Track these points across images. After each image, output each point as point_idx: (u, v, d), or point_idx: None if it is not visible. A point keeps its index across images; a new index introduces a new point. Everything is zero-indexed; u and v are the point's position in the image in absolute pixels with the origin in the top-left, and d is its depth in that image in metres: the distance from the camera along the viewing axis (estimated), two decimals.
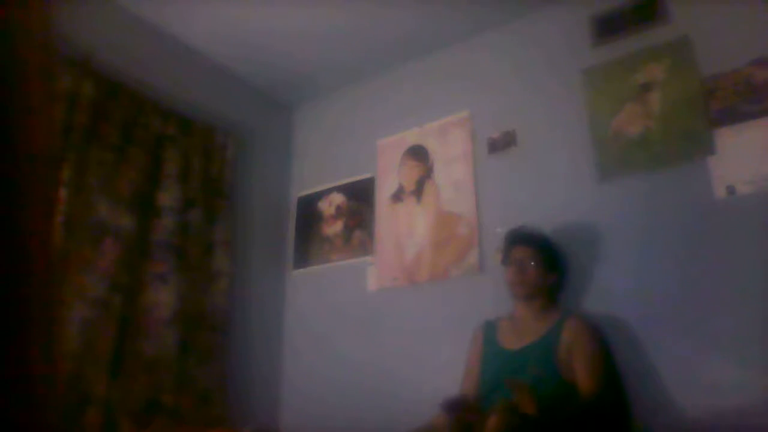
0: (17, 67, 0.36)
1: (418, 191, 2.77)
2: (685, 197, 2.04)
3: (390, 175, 2.90)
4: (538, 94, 2.51)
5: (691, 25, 2.18)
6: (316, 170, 3.22)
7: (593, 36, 2.43)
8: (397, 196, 2.84)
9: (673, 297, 1.96)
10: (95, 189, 2.24)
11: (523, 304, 2.05)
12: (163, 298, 2.37)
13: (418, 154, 2.84)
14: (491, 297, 2.27)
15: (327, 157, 3.21)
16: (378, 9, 2.60)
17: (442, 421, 1.82)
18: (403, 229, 2.75)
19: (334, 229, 3.02)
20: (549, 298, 2.07)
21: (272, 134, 3.29)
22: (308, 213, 3.16)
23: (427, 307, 2.54)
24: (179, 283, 2.44)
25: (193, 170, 2.67)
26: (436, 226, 2.65)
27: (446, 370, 2.18)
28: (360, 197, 2.98)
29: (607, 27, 2.40)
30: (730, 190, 1.95)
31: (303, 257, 3.09)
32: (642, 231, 2.09)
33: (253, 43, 2.83)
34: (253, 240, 3.00)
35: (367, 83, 3.16)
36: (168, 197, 2.51)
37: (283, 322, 3.03)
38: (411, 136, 2.89)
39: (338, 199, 3.06)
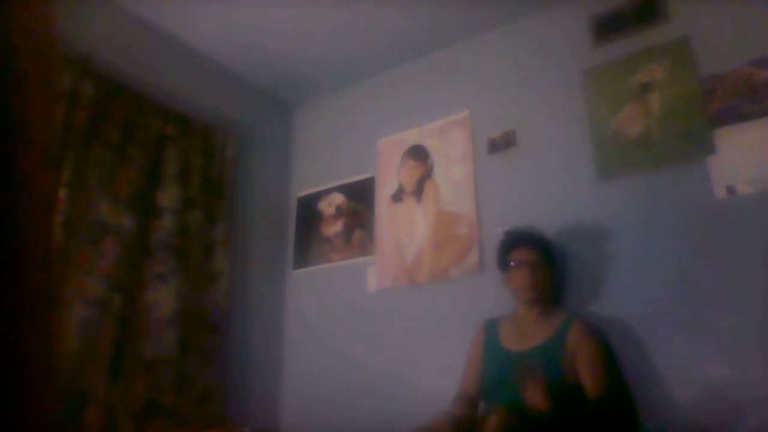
0: (17, 67, 0.36)
1: (418, 191, 2.77)
2: (685, 197, 2.04)
3: (390, 175, 2.90)
4: (538, 94, 2.50)
5: (691, 25, 2.18)
6: (316, 170, 3.22)
7: (593, 36, 2.43)
8: (397, 196, 2.84)
9: (672, 297, 1.96)
10: (95, 189, 2.24)
11: (527, 305, 2.02)
12: (163, 298, 2.37)
13: (418, 154, 2.83)
14: (491, 297, 2.27)
15: (327, 157, 3.20)
16: (378, 9, 2.60)
17: (442, 421, 1.82)
18: (403, 229, 2.75)
19: (334, 229, 3.02)
20: (550, 298, 2.06)
21: (272, 134, 3.29)
22: (308, 213, 3.16)
23: (427, 307, 2.54)
24: (179, 283, 2.44)
25: (193, 170, 2.67)
26: (436, 226, 2.64)
27: (446, 370, 2.18)
28: (360, 197, 2.98)
29: (607, 27, 2.40)
30: (730, 190, 1.94)
31: (303, 257, 3.09)
32: (642, 231, 2.09)
33: (253, 43, 2.83)
34: (253, 240, 2.99)
35: (367, 83, 3.16)
36: (168, 197, 2.51)
37: (283, 322, 3.03)
38: (411, 136, 2.89)
39: (338, 199, 3.06)
